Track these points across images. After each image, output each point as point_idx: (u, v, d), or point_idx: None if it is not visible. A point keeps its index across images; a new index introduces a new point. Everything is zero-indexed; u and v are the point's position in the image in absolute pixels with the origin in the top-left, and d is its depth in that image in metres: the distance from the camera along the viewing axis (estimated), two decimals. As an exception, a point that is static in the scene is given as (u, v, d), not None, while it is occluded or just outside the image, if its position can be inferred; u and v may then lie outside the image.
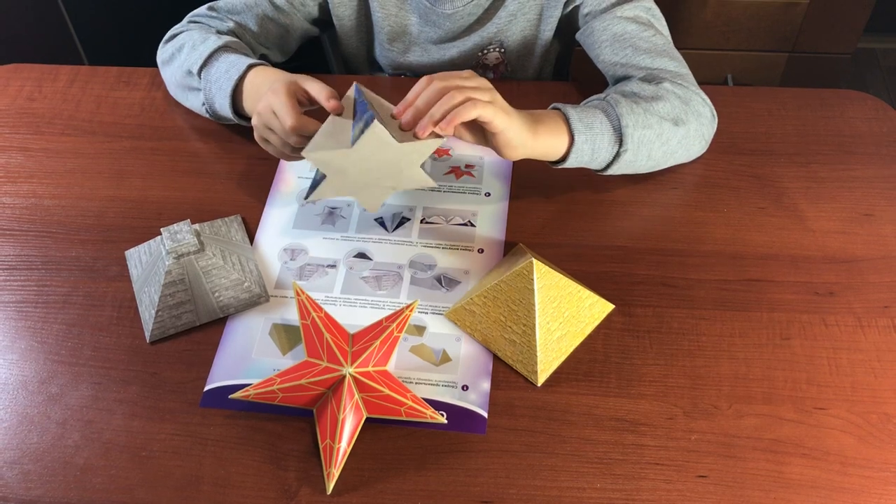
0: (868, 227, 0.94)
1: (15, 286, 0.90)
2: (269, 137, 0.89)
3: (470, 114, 0.80)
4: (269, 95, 0.87)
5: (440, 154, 1.02)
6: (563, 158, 0.90)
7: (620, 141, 0.90)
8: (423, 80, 0.83)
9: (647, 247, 0.93)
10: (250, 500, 0.74)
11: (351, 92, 0.86)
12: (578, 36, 1.06)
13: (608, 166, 0.92)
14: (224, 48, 1.00)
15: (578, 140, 0.88)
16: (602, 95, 0.94)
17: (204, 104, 1.00)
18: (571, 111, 0.89)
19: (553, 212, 0.96)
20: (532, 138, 0.86)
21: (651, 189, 0.98)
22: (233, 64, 0.97)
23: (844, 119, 1.05)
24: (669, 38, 1.02)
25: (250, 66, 0.97)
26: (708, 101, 0.97)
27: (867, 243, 0.92)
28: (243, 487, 0.75)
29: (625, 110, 0.90)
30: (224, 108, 0.98)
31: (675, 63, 0.98)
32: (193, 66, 1.00)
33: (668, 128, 0.92)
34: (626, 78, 1.00)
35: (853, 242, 0.92)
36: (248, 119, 0.98)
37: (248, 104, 0.97)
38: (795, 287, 0.88)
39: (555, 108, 0.91)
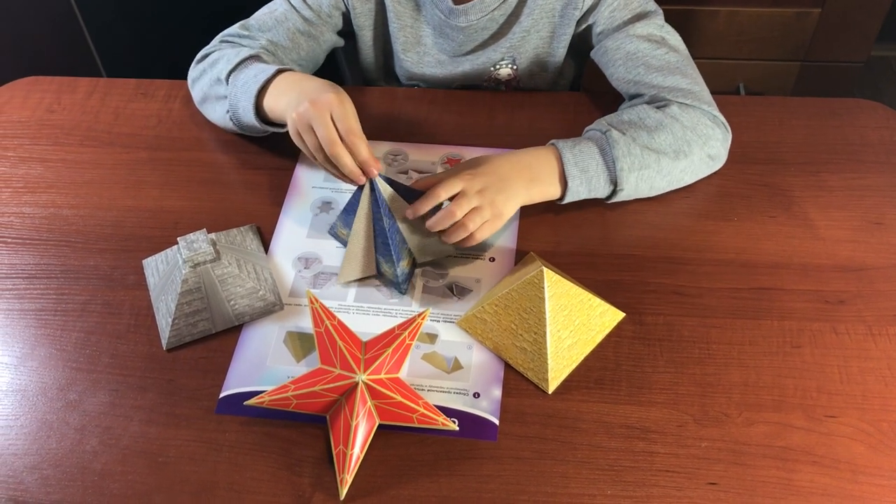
0: (878, 236, 0.94)
1: (35, 294, 0.92)
2: (307, 137, 0.87)
3: (474, 242, 0.90)
4: (332, 96, 0.86)
5: (452, 164, 1.03)
6: (560, 198, 0.94)
7: (615, 182, 0.93)
8: (436, 193, 0.88)
9: (658, 255, 0.93)
10: (265, 505, 0.75)
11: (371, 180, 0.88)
12: (593, 54, 1.08)
13: (608, 199, 0.96)
14: (255, 57, 1.01)
15: (572, 185, 0.92)
16: (603, 127, 0.95)
17: (228, 111, 1.00)
18: (567, 154, 0.93)
19: (564, 220, 0.97)
20: (526, 198, 0.93)
21: (662, 198, 0.98)
22: (262, 70, 0.97)
23: (854, 128, 1.06)
24: (685, 52, 1.03)
25: (280, 70, 0.96)
26: (720, 117, 0.98)
27: (877, 252, 0.92)
28: (258, 493, 0.76)
29: (621, 152, 0.92)
30: (248, 112, 0.96)
31: (688, 80, 0.99)
32: (222, 72, 1.00)
33: (667, 162, 0.94)
34: (638, 95, 1.01)
35: (863, 251, 0.92)
36: (271, 123, 0.98)
37: (269, 101, 0.95)
38: (806, 295, 0.89)
39: (552, 146, 0.94)
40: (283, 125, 0.95)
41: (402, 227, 0.89)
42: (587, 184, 0.93)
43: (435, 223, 0.88)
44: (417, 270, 0.92)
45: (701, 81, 1.00)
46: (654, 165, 0.93)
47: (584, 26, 1.07)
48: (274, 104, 0.95)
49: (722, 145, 0.98)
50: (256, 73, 0.96)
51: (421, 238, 0.90)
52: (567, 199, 0.94)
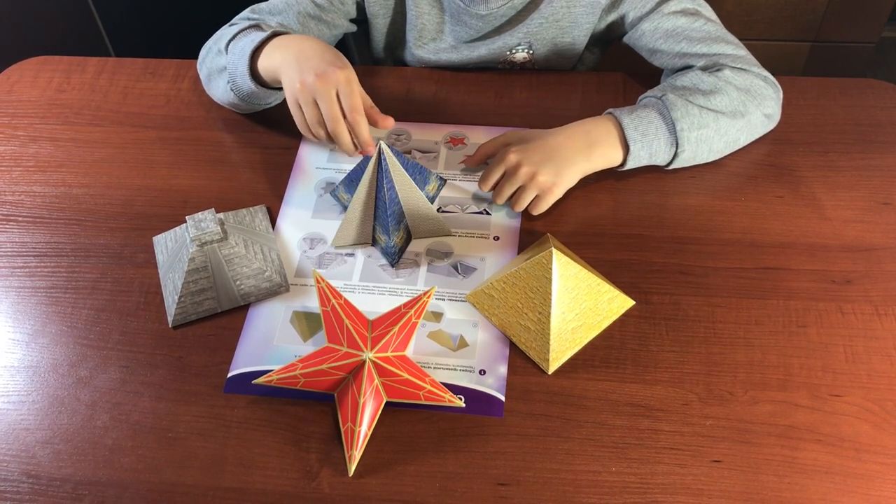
0: (886, 216, 0.94)
1: (46, 272, 0.93)
2: (308, 110, 0.89)
3: (538, 210, 0.93)
4: (339, 73, 0.88)
5: (455, 143, 1.04)
6: (622, 164, 0.95)
7: (677, 143, 0.93)
8: (499, 162, 0.94)
9: (665, 235, 0.93)
10: (273, 480, 0.76)
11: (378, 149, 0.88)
12: (626, 39, 1.08)
13: (669, 164, 0.96)
14: (255, 26, 1.01)
15: (634, 148, 0.93)
16: (658, 93, 0.96)
17: (229, 82, 1.00)
18: (626, 119, 0.93)
19: (570, 200, 0.96)
20: (588, 166, 0.93)
21: (668, 178, 0.98)
22: (259, 34, 0.97)
23: (863, 108, 1.05)
24: (718, 21, 1.04)
25: (277, 33, 0.96)
26: (770, 77, 0.99)
27: (885, 232, 0.92)
28: (266, 468, 0.77)
29: (679, 114, 0.93)
30: (244, 77, 0.96)
31: (732, 46, 1.00)
32: (223, 44, 1.01)
33: (725, 122, 0.95)
34: (687, 67, 1.02)
35: (871, 231, 0.92)
36: (267, 86, 0.98)
37: (264, 61, 0.95)
38: (812, 275, 0.89)
39: (609, 114, 0.95)
40: (281, 87, 0.95)
41: (402, 201, 0.89)
42: (648, 147, 0.93)
43: (496, 198, 0.94)
44: (421, 250, 0.93)
45: (742, 45, 1.01)
46: (712, 125, 0.94)
47: (612, 17, 1.07)
48: (268, 63, 0.95)
49: (776, 104, 1.00)
50: (253, 38, 0.97)
51: (419, 216, 0.91)
52: (629, 165, 0.95)
